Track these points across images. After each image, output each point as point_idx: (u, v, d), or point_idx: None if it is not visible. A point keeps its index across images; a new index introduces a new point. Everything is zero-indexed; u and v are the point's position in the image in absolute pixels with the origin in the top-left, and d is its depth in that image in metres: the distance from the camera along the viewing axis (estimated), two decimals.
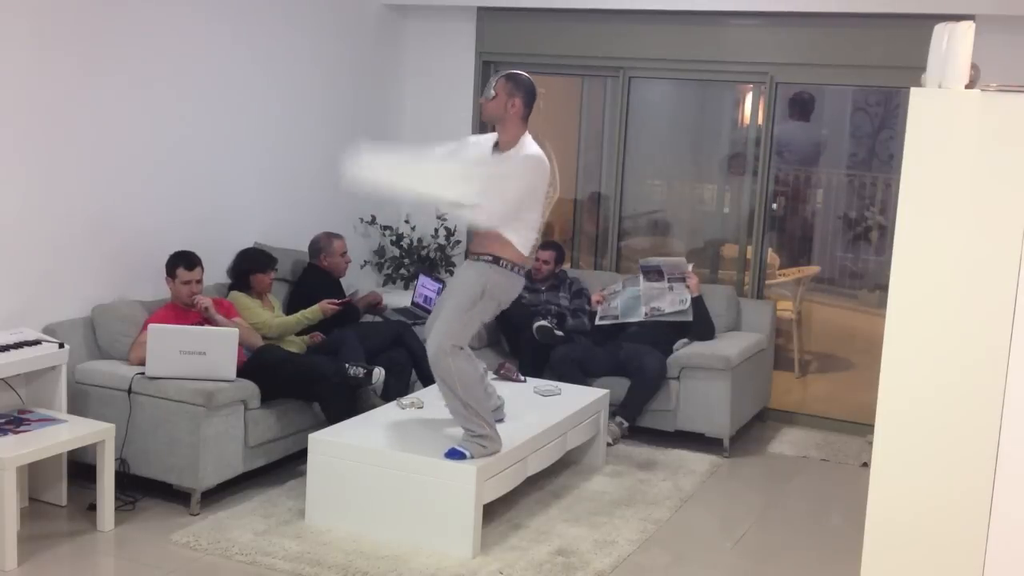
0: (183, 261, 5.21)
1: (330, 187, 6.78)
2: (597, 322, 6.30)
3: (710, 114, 7.81)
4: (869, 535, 3.30)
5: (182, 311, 5.19)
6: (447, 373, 4.42)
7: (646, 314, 6.21)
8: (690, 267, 6.29)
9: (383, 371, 5.35)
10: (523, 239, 4.52)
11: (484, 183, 4.40)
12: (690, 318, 6.19)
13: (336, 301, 5.74)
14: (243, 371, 5.01)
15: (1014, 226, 3.05)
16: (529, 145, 4.53)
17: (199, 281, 5.23)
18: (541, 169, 4.51)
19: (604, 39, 6.81)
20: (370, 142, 4.47)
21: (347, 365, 5.23)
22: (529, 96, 4.52)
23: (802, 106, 7.39)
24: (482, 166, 4.51)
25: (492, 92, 4.50)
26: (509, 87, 4.49)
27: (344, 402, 5.19)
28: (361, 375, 5.21)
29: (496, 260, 4.46)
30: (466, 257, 4.62)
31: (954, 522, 3.19)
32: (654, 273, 6.27)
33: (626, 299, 6.27)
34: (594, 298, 6.38)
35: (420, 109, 7.17)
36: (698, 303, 6.22)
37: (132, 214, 5.43)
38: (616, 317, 6.27)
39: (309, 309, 5.67)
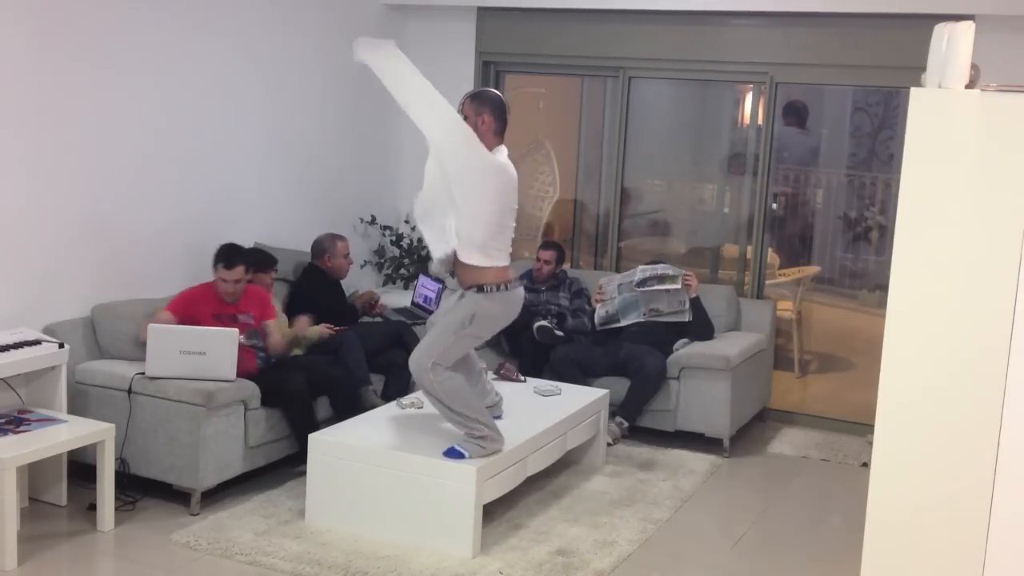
0: (223, 258, 5.18)
1: (330, 187, 6.82)
2: (598, 326, 6.30)
3: (710, 114, 7.81)
4: (869, 535, 3.30)
5: (214, 300, 5.18)
6: (431, 388, 4.47)
7: (645, 315, 6.22)
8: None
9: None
10: (499, 255, 4.53)
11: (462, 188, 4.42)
12: (689, 319, 6.19)
13: (335, 328, 5.71)
14: (256, 377, 5.04)
15: (1014, 226, 3.06)
16: (500, 155, 4.53)
17: (238, 280, 5.18)
18: (505, 176, 4.49)
19: (604, 39, 6.81)
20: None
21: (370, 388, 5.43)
22: (497, 109, 4.53)
23: (797, 113, 7.40)
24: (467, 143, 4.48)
25: (461, 115, 4.51)
26: (475, 106, 4.51)
27: (354, 400, 5.32)
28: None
29: (480, 288, 4.50)
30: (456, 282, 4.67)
31: (954, 522, 3.19)
32: (652, 280, 6.27)
33: (624, 303, 6.26)
34: (594, 298, 6.38)
35: None
36: (696, 303, 6.22)
37: (132, 214, 5.43)
38: (617, 320, 6.27)
39: (310, 328, 5.62)
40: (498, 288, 4.51)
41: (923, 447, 3.21)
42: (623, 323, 6.24)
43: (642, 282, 6.23)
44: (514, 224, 4.63)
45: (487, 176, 4.45)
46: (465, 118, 4.49)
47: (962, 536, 3.18)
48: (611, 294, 6.31)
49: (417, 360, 4.48)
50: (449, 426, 4.69)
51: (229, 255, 5.19)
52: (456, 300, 4.59)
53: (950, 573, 3.21)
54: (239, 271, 5.17)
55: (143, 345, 4.86)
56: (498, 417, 4.89)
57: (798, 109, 7.40)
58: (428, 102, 4.43)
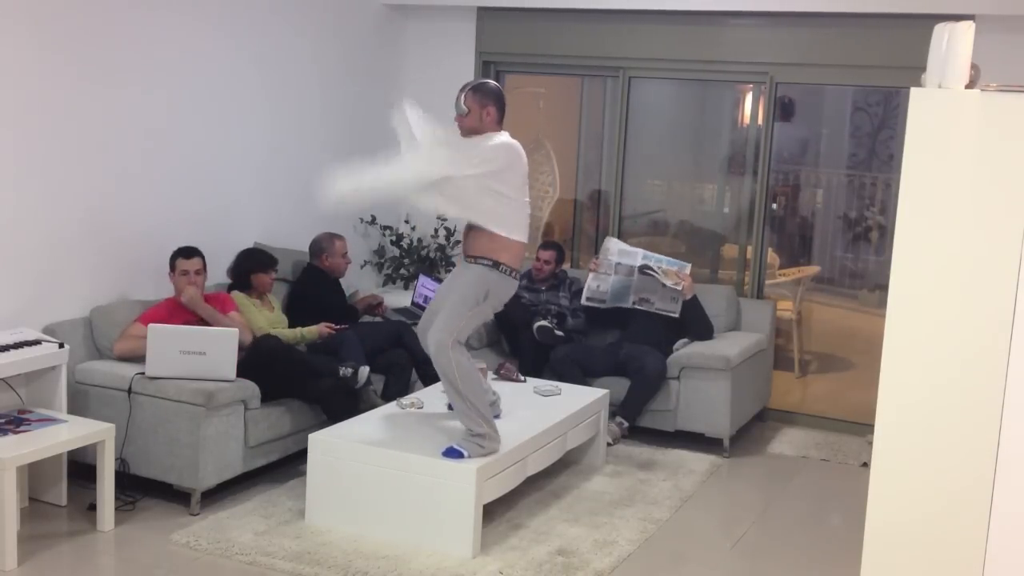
0: (182, 252, 5.27)
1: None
2: (583, 302, 6.30)
3: (710, 114, 7.81)
4: (869, 535, 3.30)
5: (180, 307, 5.19)
6: (448, 367, 4.45)
7: (634, 303, 6.22)
8: (687, 269, 6.27)
9: (367, 368, 5.40)
10: (517, 226, 4.55)
11: (453, 155, 4.46)
12: (677, 314, 6.18)
13: (335, 327, 5.71)
14: (242, 362, 5.00)
15: (1014, 226, 3.06)
16: (503, 135, 4.57)
17: (198, 272, 5.24)
18: (515, 153, 4.56)
19: (604, 39, 6.81)
20: (340, 164, 4.61)
21: (339, 367, 5.27)
22: (500, 101, 4.58)
23: (783, 108, 7.39)
24: (445, 145, 4.54)
25: (464, 108, 4.53)
26: (478, 98, 4.53)
27: (344, 401, 5.21)
28: (350, 374, 5.26)
29: (496, 265, 4.51)
30: (465, 258, 4.64)
31: (954, 522, 3.19)
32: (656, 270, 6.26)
33: (617, 285, 6.27)
34: (590, 265, 6.37)
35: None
36: (694, 304, 6.21)
37: (132, 214, 5.43)
38: (604, 301, 6.27)
39: (308, 328, 5.63)
40: (510, 273, 4.55)
41: (923, 447, 3.21)
42: (608, 305, 6.25)
43: (644, 267, 6.23)
44: (526, 192, 4.65)
45: (494, 164, 4.47)
46: (468, 111, 4.51)
47: (962, 536, 3.18)
48: (606, 269, 6.30)
49: (436, 339, 4.47)
50: (448, 424, 4.69)
51: (187, 249, 5.29)
52: (463, 274, 4.60)
53: (950, 573, 3.21)
54: (197, 261, 5.25)
55: (119, 360, 4.99)
56: (496, 416, 4.89)
57: (784, 104, 7.40)
58: (410, 171, 4.54)
